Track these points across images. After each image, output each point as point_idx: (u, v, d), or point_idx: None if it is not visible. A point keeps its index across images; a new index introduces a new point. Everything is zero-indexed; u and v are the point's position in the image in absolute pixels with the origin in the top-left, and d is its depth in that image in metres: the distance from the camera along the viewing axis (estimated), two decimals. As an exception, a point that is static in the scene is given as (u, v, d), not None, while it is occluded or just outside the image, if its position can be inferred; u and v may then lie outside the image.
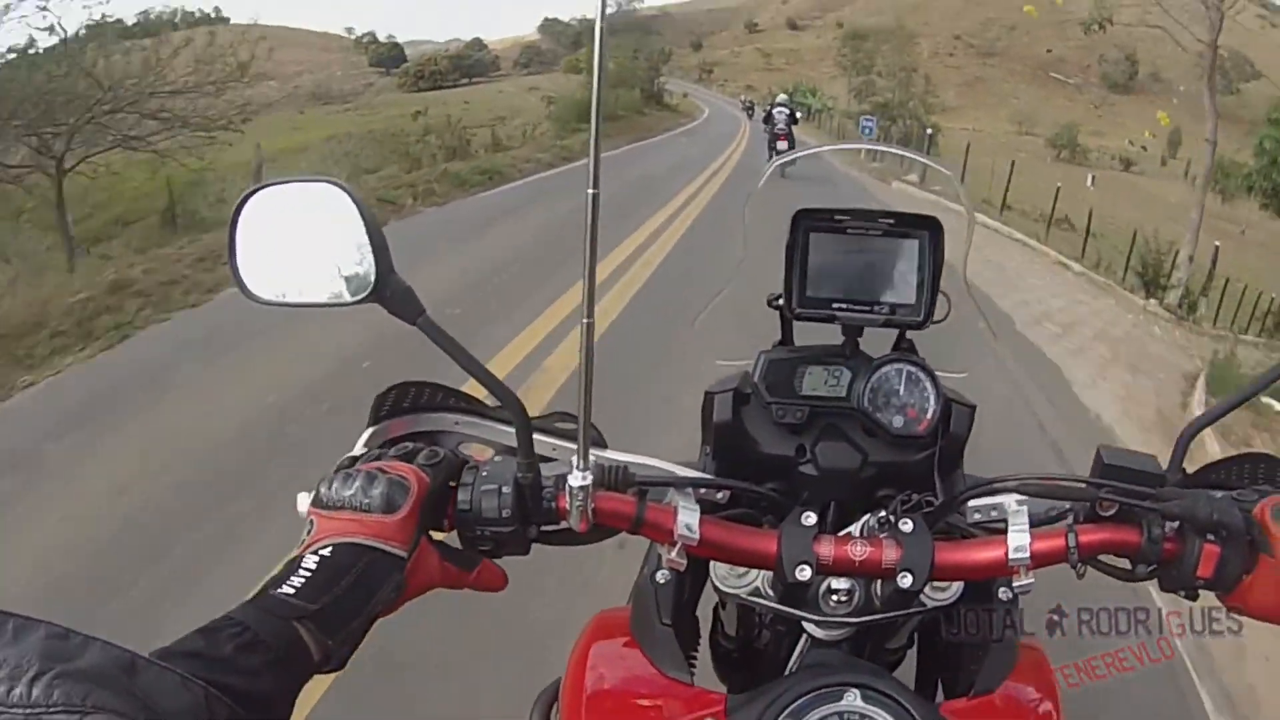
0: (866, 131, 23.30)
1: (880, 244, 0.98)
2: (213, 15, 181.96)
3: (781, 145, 16.12)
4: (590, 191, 0.66)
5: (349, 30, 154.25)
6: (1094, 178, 52.74)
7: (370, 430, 0.90)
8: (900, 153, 2.27)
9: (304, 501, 0.75)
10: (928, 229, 0.97)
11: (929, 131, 32.53)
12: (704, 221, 10.57)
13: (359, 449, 0.86)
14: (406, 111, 34.30)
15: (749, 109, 50.75)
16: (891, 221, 0.97)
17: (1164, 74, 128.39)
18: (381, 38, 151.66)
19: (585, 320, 0.70)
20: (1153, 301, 12.68)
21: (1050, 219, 17.64)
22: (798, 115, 17.92)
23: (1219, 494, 0.77)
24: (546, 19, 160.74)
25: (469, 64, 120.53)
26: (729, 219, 3.86)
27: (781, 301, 1.01)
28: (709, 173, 16.81)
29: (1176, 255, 16.66)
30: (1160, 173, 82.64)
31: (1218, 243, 18.73)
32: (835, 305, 0.98)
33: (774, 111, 17.43)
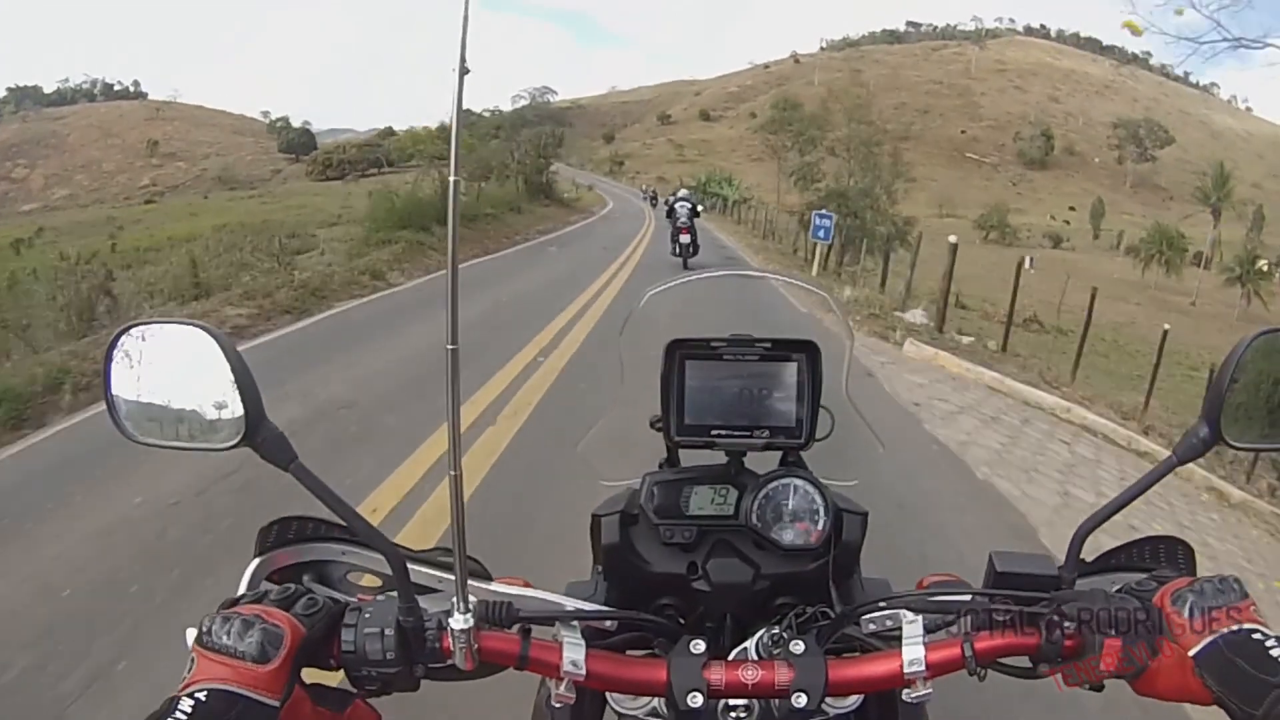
0: (821, 234, 18.33)
1: (758, 368, 0.98)
2: (131, 90, 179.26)
3: (684, 239, 16.01)
4: (450, 347, 0.67)
5: (264, 114, 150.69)
6: (1033, 260, 50.03)
7: (256, 561, 0.88)
8: (777, 277, 1.27)
9: (191, 636, 0.74)
10: (805, 352, 0.98)
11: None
12: (582, 361, 7.01)
13: (244, 582, 0.85)
14: (304, 201, 31.57)
15: (652, 199, 50.47)
16: (768, 346, 0.98)
17: (1076, 147, 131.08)
18: (297, 124, 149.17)
19: (452, 473, 0.71)
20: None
21: (1010, 318, 12.89)
22: (699, 209, 17.18)
23: (1118, 585, 0.81)
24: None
25: (379, 153, 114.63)
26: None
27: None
28: (599, 285, 12.60)
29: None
30: (1091, 246, 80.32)
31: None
32: (715, 431, 0.98)
33: (676, 206, 16.66)
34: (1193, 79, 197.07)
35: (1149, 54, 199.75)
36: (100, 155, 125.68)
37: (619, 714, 0.96)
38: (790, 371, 0.98)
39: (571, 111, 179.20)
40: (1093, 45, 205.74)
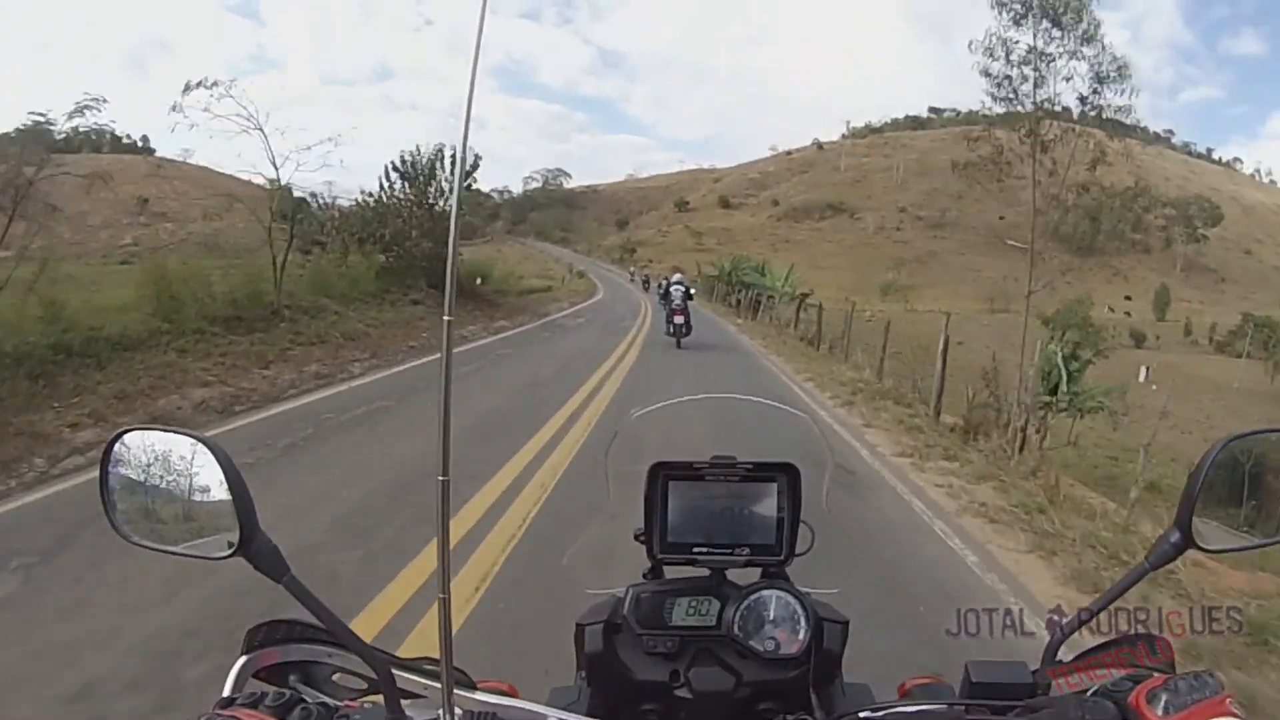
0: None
1: (739, 489, 1.04)
2: (139, 144, 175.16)
3: (678, 319, 17.30)
4: (441, 479, 0.70)
5: (272, 181, 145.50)
6: (1149, 370, 41.64)
7: (244, 659, 0.90)
8: (762, 401, 1.38)
9: None
10: (785, 473, 1.04)
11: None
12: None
13: (230, 680, 0.87)
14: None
15: (644, 283, 51.82)
16: (750, 467, 1.03)
17: (1120, 229, 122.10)
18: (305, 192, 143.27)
19: (441, 596, 0.74)
20: None
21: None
22: (691, 293, 18.35)
23: (1095, 685, 0.83)
24: (467, 189, 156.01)
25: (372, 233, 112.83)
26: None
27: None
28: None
29: None
30: (1177, 343, 70.94)
31: None
32: (696, 549, 1.03)
33: (671, 289, 18.29)
34: (1215, 155, 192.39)
35: (1171, 132, 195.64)
36: (89, 208, 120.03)
37: None
38: (770, 491, 1.04)
39: (585, 196, 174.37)
40: (1114, 126, 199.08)
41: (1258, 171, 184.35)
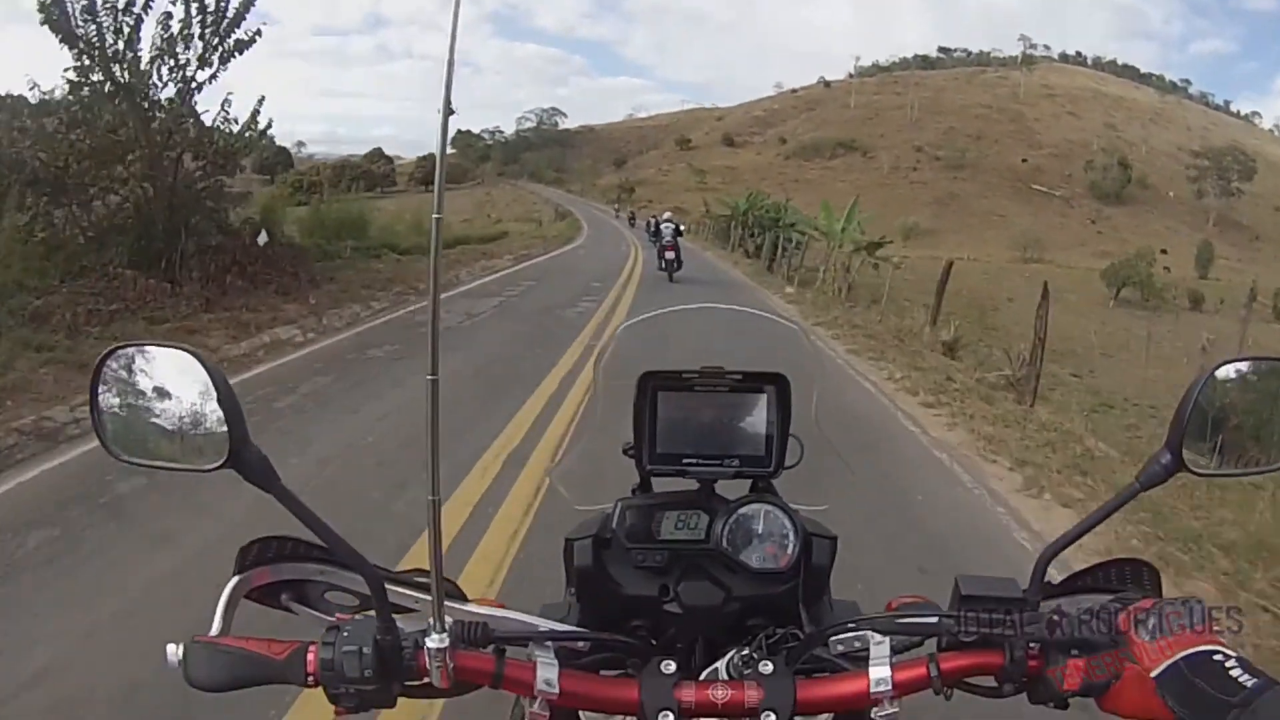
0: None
1: (728, 400, 1.03)
2: None
3: (669, 255, 18.49)
4: (430, 378, 0.71)
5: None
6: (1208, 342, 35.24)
7: (235, 580, 0.91)
8: (754, 312, 1.39)
9: (173, 653, 0.81)
10: (774, 384, 1.03)
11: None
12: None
13: (222, 600, 0.89)
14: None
15: (630, 219, 52.17)
16: (739, 377, 1.03)
17: (1148, 179, 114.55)
18: (289, 143, 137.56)
19: (430, 497, 0.75)
20: None
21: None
22: (681, 229, 19.66)
23: (1083, 606, 0.81)
24: (459, 131, 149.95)
25: (354, 177, 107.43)
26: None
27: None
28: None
29: None
30: (1236, 307, 63.91)
31: None
32: (686, 460, 1.03)
33: (661, 226, 19.69)
34: (1233, 108, 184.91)
35: (1188, 82, 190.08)
36: None
37: None
38: (760, 402, 1.03)
39: (581, 135, 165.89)
40: (1131, 73, 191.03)
41: (1276, 127, 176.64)
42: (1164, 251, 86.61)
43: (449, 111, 0.68)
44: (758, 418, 1.03)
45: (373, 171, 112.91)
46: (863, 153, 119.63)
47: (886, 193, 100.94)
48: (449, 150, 0.71)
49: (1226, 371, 0.86)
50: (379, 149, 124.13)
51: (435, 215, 0.71)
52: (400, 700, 0.83)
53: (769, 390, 1.03)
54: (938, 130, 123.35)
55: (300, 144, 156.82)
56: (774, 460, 1.03)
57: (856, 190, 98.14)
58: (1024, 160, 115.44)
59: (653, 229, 23.09)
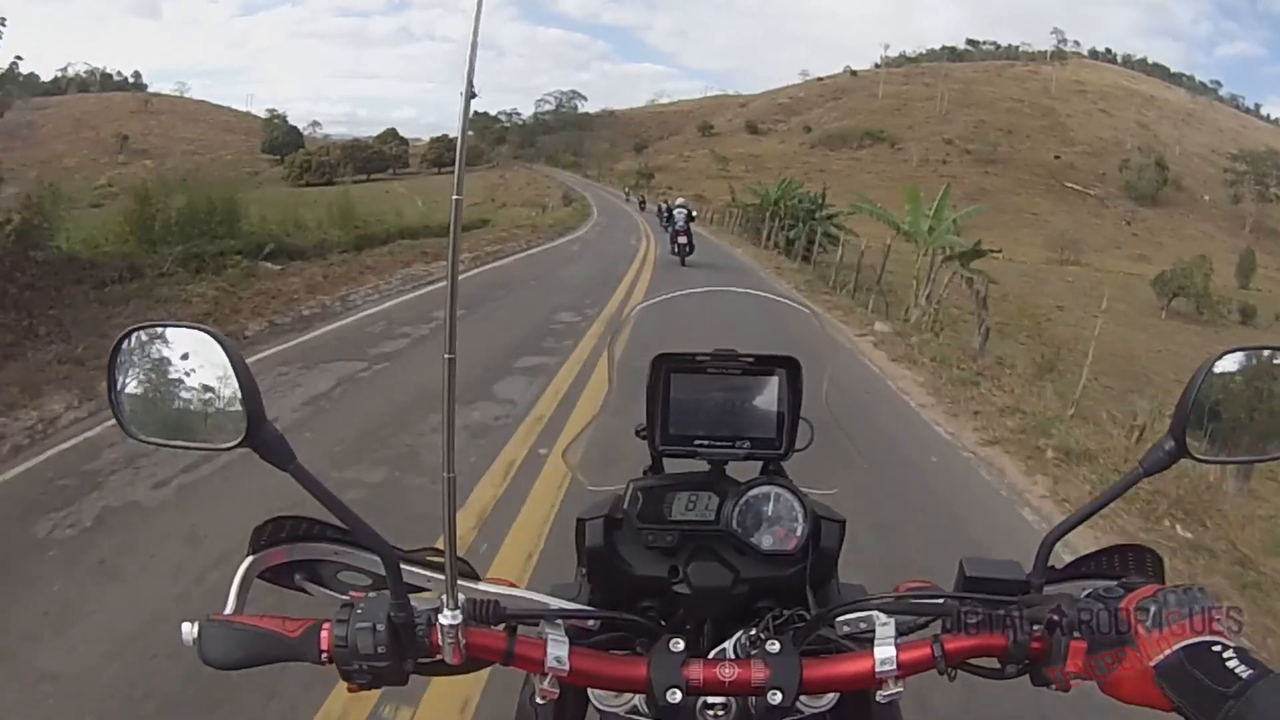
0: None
1: (740, 382, 1.04)
2: (131, 80, 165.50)
3: (682, 239, 18.72)
4: (447, 356, 0.72)
5: (270, 111, 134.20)
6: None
7: (250, 560, 0.93)
8: (765, 295, 1.39)
9: (188, 632, 0.83)
10: (785, 367, 1.03)
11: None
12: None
13: (237, 580, 0.91)
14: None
15: (640, 203, 51.24)
16: (751, 360, 1.03)
17: (1183, 181, 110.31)
18: (304, 124, 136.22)
19: (446, 474, 0.75)
20: None
21: None
22: (694, 214, 19.71)
23: (1086, 590, 0.84)
24: (475, 113, 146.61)
25: (365, 157, 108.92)
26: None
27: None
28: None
29: None
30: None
31: None
32: (697, 441, 1.03)
33: (674, 212, 19.69)
34: (1264, 111, 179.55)
35: (1218, 83, 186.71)
36: (66, 149, 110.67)
37: (601, 711, 0.98)
38: (771, 385, 1.03)
39: (601, 119, 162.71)
40: (1161, 73, 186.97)
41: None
42: (1203, 257, 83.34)
43: (471, 94, 0.69)
44: (769, 400, 1.03)
45: (384, 153, 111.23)
46: (891, 144, 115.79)
47: (915, 186, 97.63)
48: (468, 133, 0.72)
49: (1228, 361, 0.87)
50: (393, 129, 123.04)
51: (455, 196, 0.71)
52: (436, 681, 0.87)
53: (780, 373, 1.03)
54: (968, 123, 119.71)
55: (315, 124, 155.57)
56: (784, 443, 1.03)
57: (884, 182, 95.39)
58: (1056, 157, 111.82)
59: (665, 214, 23.43)
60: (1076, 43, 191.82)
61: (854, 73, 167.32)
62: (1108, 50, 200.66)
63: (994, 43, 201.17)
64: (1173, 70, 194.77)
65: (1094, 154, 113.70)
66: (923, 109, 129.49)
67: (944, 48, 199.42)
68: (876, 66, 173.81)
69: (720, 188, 57.62)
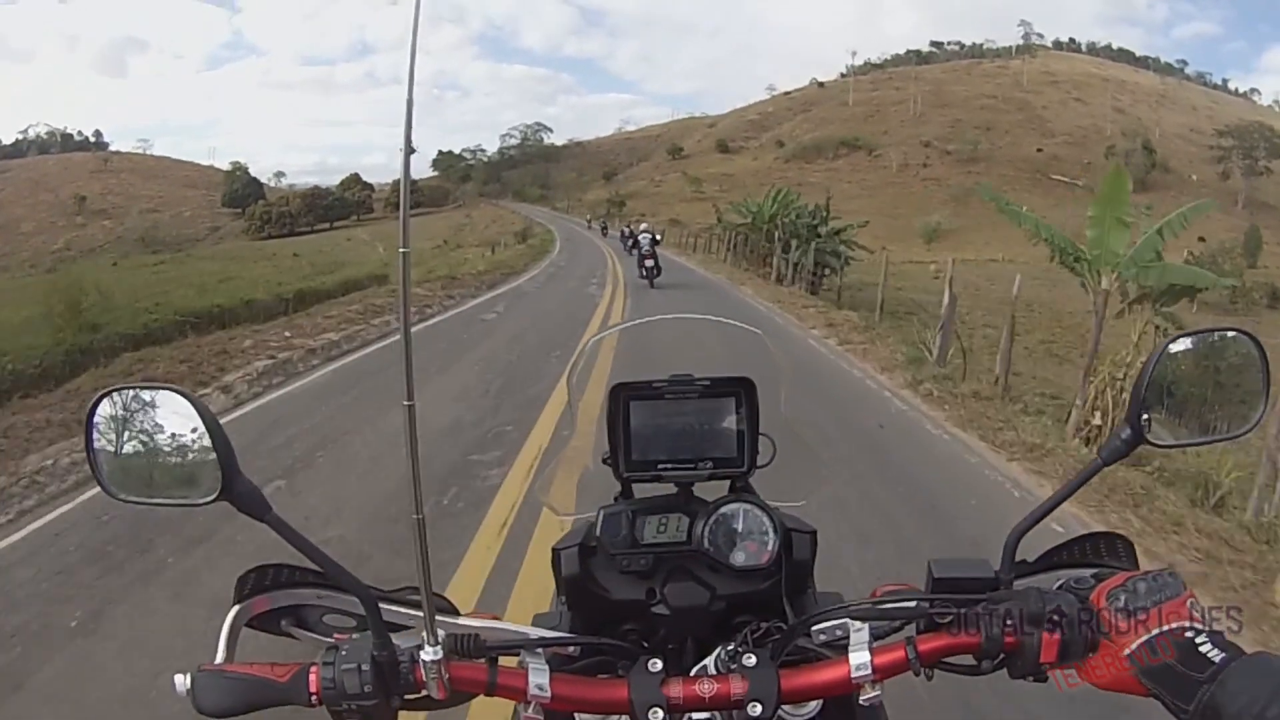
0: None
1: (698, 405, 1.06)
2: (92, 140, 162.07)
3: (649, 263, 19.07)
4: (406, 404, 0.72)
5: (233, 164, 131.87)
6: None
7: (236, 609, 0.93)
8: (728, 322, 1.40)
9: (181, 683, 0.83)
10: (741, 388, 1.06)
11: None
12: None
13: (225, 629, 0.91)
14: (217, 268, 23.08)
15: (602, 229, 51.99)
16: (707, 384, 1.06)
17: (1169, 163, 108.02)
18: (266, 176, 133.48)
19: (416, 517, 0.75)
20: None
21: None
22: (658, 238, 20.23)
23: (1059, 582, 0.85)
24: (440, 153, 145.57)
25: (326, 205, 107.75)
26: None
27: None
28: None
29: None
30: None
31: None
32: (661, 466, 1.06)
33: (639, 237, 20.31)
34: (1231, 86, 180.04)
35: (1184, 62, 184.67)
36: (24, 213, 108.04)
37: None
38: (728, 407, 1.06)
39: (569, 150, 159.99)
40: (1127, 57, 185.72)
41: (1276, 102, 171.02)
42: (1202, 239, 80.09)
43: (410, 150, 0.70)
44: (728, 421, 1.05)
45: (346, 199, 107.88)
46: (868, 151, 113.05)
47: (899, 191, 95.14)
48: (430, 174, 0.52)
49: (1179, 346, 0.89)
50: (356, 175, 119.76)
51: (402, 249, 0.72)
52: (401, 715, 0.86)
53: (737, 393, 1.05)
54: (943, 123, 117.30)
55: (279, 174, 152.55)
56: (746, 460, 1.05)
57: (866, 191, 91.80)
58: (1039, 150, 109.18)
59: (630, 239, 23.94)
60: (1040, 35, 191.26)
61: (821, 84, 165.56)
62: (1071, 40, 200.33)
63: (958, 42, 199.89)
64: (1138, 54, 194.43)
65: (1075, 143, 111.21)
66: (896, 113, 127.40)
67: (909, 51, 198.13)
68: (843, 75, 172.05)
69: (696, 210, 54.43)
